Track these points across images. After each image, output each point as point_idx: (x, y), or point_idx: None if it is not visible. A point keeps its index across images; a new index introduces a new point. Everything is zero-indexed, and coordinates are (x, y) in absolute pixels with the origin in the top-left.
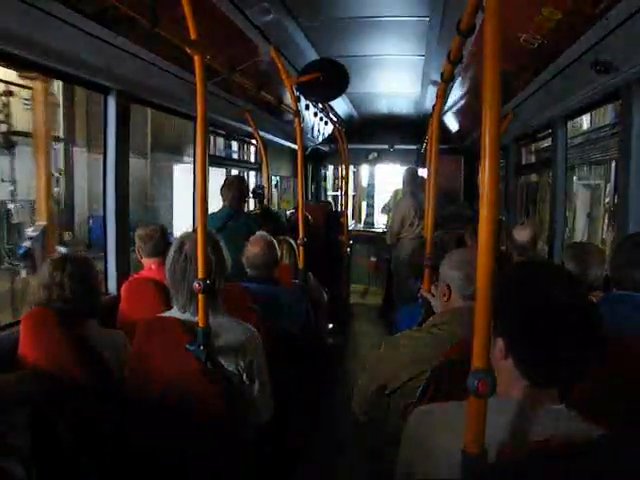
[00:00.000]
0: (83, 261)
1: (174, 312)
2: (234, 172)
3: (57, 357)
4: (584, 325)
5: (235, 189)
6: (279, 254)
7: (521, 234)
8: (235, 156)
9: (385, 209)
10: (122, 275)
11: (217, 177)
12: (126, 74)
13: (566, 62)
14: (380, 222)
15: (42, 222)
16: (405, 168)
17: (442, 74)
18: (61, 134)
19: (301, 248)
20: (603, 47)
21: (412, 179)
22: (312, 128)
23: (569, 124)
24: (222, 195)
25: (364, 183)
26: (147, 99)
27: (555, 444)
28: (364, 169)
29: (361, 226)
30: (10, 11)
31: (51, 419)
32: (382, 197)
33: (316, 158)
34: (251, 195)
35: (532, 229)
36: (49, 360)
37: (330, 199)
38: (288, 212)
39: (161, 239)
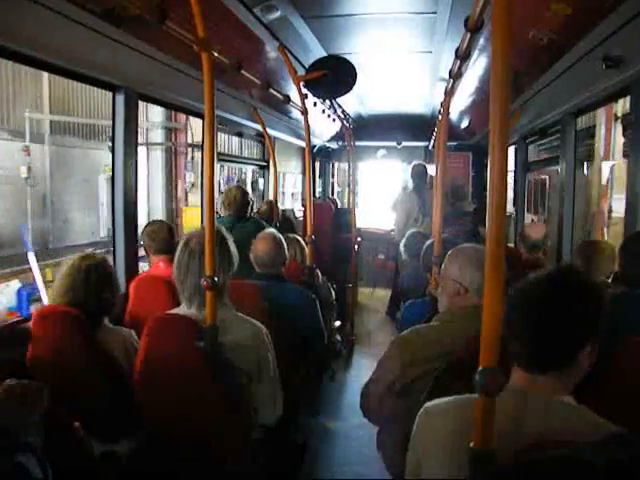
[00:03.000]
0: (101, 261)
1: (182, 309)
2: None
3: (68, 354)
4: (558, 314)
5: (240, 202)
6: (287, 252)
7: (534, 231)
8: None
9: (395, 206)
10: (130, 273)
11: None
12: (134, 72)
13: (575, 57)
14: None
15: None
16: (412, 164)
17: (450, 70)
18: None
19: (309, 246)
20: (613, 42)
21: (418, 175)
22: (319, 125)
23: None
24: (225, 207)
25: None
26: (155, 96)
27: (558, 437)
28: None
29: None
30: (20, 10)
31: (63, 416)
32: (365, 191)
33: (323, 155)
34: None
35: (545, 227)
36: (60, 357)
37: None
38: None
39: (169, 236)
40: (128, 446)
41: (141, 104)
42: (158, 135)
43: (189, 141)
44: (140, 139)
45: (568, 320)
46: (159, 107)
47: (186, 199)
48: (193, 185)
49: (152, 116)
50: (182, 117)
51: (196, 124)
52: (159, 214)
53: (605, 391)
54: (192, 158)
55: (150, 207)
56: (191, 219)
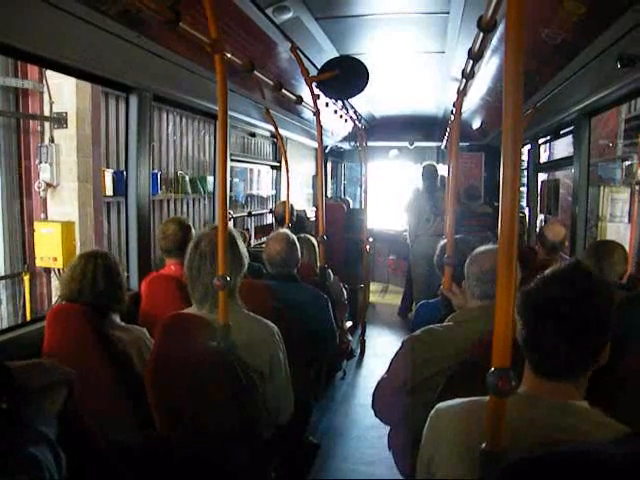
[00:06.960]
0: (111, 256)
1: (194, 309)
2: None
3: (81, 353)
4: (570, 319)
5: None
6: (300, 252)
7: (555, 232)
8: None
9: (407, 208)
10: (143, 273)
11: None
12: (148, 73)
13: (590, 57)
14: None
15: None
16: (423, 164)
17: (463, 70)
18: None
19: (321, 246)
20: (628, 41)
21: (429, 175)
22: (331, 126)
23: None
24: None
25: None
26: (168, 98)
27: (571, 440)
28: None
29: None
30: (35, 12)
31: (76, 409)
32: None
33: (335, 156)
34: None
35: (564, 228)
36: (74, 356)
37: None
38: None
39: (182, 237)
40: (140, 442)
41: None
42: None
43: (46, 112)
44: None
45: (584, 324)
46: None
47: (45, 209)
48: (50, 186)
49: None
50: (34, 71)
51: (61, 83)
52: None
53: (616, 394)
54: (51, 140)
55: None
56: (49, 242)
